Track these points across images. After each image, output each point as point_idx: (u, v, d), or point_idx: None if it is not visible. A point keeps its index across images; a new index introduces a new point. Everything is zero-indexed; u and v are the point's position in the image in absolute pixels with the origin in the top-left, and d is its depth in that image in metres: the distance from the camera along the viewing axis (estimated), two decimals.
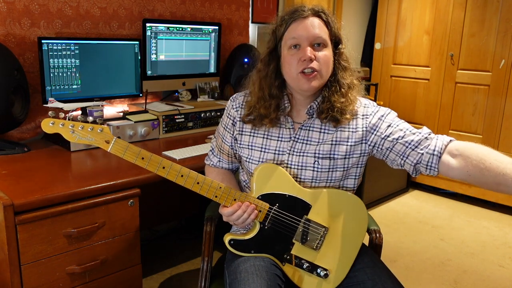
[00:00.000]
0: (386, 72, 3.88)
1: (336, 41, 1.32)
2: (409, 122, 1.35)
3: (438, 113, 3.58)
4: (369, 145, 1.32)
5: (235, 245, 1.33)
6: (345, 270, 1.34)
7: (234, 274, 1.28)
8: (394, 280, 1.29)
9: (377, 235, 1.53)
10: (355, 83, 1.34)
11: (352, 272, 1.34)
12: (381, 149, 1.31)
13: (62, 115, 1.20)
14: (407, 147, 1.26)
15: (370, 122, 1.32)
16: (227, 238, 1.33)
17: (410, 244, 2.83)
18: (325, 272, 1.31)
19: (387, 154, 1.31)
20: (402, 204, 3.44)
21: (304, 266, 1.31)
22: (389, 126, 1.30)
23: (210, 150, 1.53)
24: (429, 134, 1.26)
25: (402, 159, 1.27)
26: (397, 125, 1.30)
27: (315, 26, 1.26)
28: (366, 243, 1.51)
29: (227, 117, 1.43)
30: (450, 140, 1.23)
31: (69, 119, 1.22)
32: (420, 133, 1.27)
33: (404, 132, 1.27)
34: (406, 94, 3.77)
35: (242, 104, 1.40)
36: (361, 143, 1.32)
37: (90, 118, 1.23)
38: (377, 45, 3.91)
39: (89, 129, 1.21)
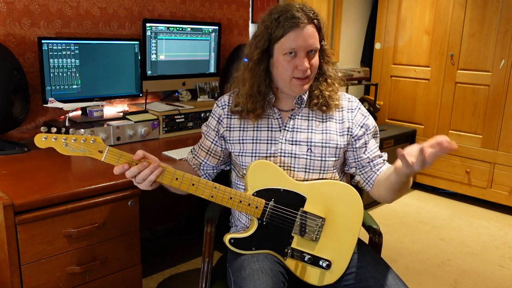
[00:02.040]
0: (386, 72, 3.88)
1: (321, 39, 1.39)
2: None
3: (438, 113, 3.58)
4: (353, 137, 1.41)
5: (236, 244, 1.34)
6: (347, 259, 1.36)
7: (239, 271, 1.29)
8: (395, 277, 1.30)
9: (377, 234, 1.54)
10: (338, 73, 1.46)
11: (354, 270, 1.35)
12: (353, 146, 1.43)
13: (54, 129, 1.20)
14: (368, 161, 1.43)
15: (355, 116, 1.43)
16: (227, 237, 1.34)
17: (410, 244, 2.83)
18: (327, 263, 1.32)
19: (352, 151, 1.44)
20: (402, 204, 3.44)
21: (306, 259, 1.32)
22: (369, 131, 1.44)
23: (191, 150, 1.55)
24: (385, 161, 1.45)
25: (355, 161, 1.44)
26: (372, 138, 1.44)
27: (311, 35, 1.32)
28: (366, 242, 1.52)
29: (212, 117, 1.49)
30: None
31: (60, 133, 1.22)
32: (381, 156, 1.44)
33: (376, 147, 1.45)
34: (406, 94, 3.78)
35: (228, 102, 1.46)
36: (347, 134, 1.41)
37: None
38: (377, 45, 3.91)
39: (81, 141, 1.21)
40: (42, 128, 1.21)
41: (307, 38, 1.30)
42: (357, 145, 1.42)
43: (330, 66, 1.43)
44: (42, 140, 1.22)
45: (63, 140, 1.21)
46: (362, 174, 1.44)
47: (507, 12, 3.12)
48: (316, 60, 1.35)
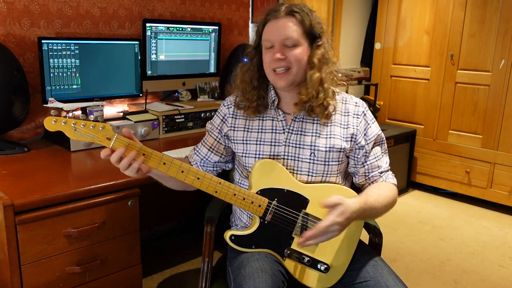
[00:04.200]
0: (386, 72, 3.88)
1: (313, 38, 1.36)
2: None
3: (438, 113, 3.58)
4: (357, 143, 1.39)
5: (236, 241, 1.34)
6: (345, 264, 1.36)
7: (239, 270, 1.29)
8: (395, 277, 1.30)
9: (377, 234, 1.54)
10: (336, 75, 1.41)
11: (353, 270, 1.35)
12: (355, 154, 1.41)
13: (64, 113, 1.20)
14: (365, 172, 1.42)
15: (360, 123, 1.40)
16: (227, 234, 1.34)
17: (410, 244, 2.83)
18: (325, 266, 1.32)
19: (353, 159, 1.43)
20: (402, 204, 3.44)
21: (305, 261, 1.32)
22: (369, 141, 1.40)
23: (193, 148, 1.54)
24: (383, 173, 1.42)
25: (355, 168, 1.43)
26: (372, 147, 1.41)
27: (286, 27, 1.31)
28: (366, 242, 1.52)
29: (217, 115, 1.49)
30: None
31: (70, 118, 1.22)
32: (380, 167, 1.42)
33: (375, 158, 1.41)
34: (406, 94, 3.78)
35: (234, 102, 1.46)
36: (351, 141, 1.39)
37: (91, 117, 1.23)
38: (377, 45, 3.91)
39: (91, 127, 1.21)
40: (52, 111, 1.20)
41: (281, 29, 1.31)
42: (359, 155, 1.40)
43: (328, 66, 1.37)
44: (51, 123, 1.19)
45: (72, 125, 1.20)
46: (357, 180, 1.44)
47: (507, 12, 3.12)
48: (297, 53, 1.31)
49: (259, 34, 1.38)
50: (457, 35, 3.39)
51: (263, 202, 1.31)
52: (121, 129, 1.24)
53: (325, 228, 1.18)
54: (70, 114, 2.06)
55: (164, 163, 1.25)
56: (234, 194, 1.30)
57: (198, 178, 1.28)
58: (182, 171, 1.26)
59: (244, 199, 1.30)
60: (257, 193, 1.32)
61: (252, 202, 1.30)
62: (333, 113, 1.39)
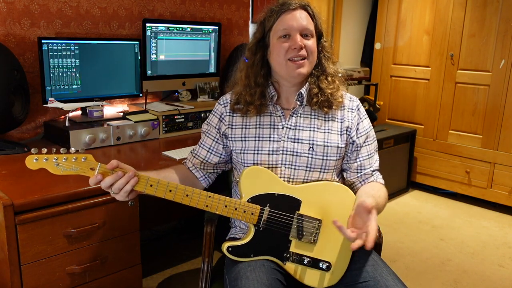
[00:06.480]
0: (386, 72, 3.88)
1: (319, 35, 1.41)
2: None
3: (438, 113, 3.58)
4: (351, 137, 1.42)
5: (234, 252, 1.32)
6: (346, 259, 1.35)
7: (235, 281, 1.27)
8: (395, 278, 1.30)
9: (377, 234, 1.53)
10: (339, 71, 1.45)
11: (353, 270, 1.35)
12: (347, 148, 1.44)
13: (44, 150, 1.18)
14: (357, 168, 1.44)
15: (354, 117, 1.43)
16: (225, 246, 1.33)
17: (410, 244, 2.83)
18: (327, 264, 1.32)
19: (347, 153, 1.45)
20: (402, 204, 3.44)
21: (305, 262, 1.32)
22: (360, 135, 1.43)
23: (190, 151, 1.53)
24: (375, 172, 1.45)
25: (348, 163, 1.45)
26: (364, 142, 1.43)
27: (303, 17, 1.36)
28: None
29: (213, 114, 1.48)
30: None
31: (51, 153, 1.19)
32: (371, 165, 1.44)
33: (368, 155, 1.44)
34: (406, 94, 3.78)
35: (230, 100, 1.46)
36: (345, 134, 1.41)
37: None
38: (377, 45, 3.91)
39: (73, 160, 1.19)
40: (32, 149, 1.18)
41: (299, 19, 1.34)
42: (351, 149, 1.42)
43: (330, 62, 1.43)
44: (33, 161, 1.18)
45: (54, 160, 1.18)
46: (349, 177, 1.45)
47: (507, 12, 3.12)
48: (312, 43, 1.36)
49: (267, 27, 1.38)
50: (457, 35, 3.39)
51: (256, 210, 1.30)
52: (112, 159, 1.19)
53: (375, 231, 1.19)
54: (70, 114, 2.07)
55: (151, 185, 1.23)
56: (226, 206, 1.28)
57: (187, 195, 1.26)
58: (170, 190, 1.25)
59: (236, 209, 1.29)
60: (248, 201, 1.31)
61: (245, 211, 1.30)
62: (341, 108, 1.42)
